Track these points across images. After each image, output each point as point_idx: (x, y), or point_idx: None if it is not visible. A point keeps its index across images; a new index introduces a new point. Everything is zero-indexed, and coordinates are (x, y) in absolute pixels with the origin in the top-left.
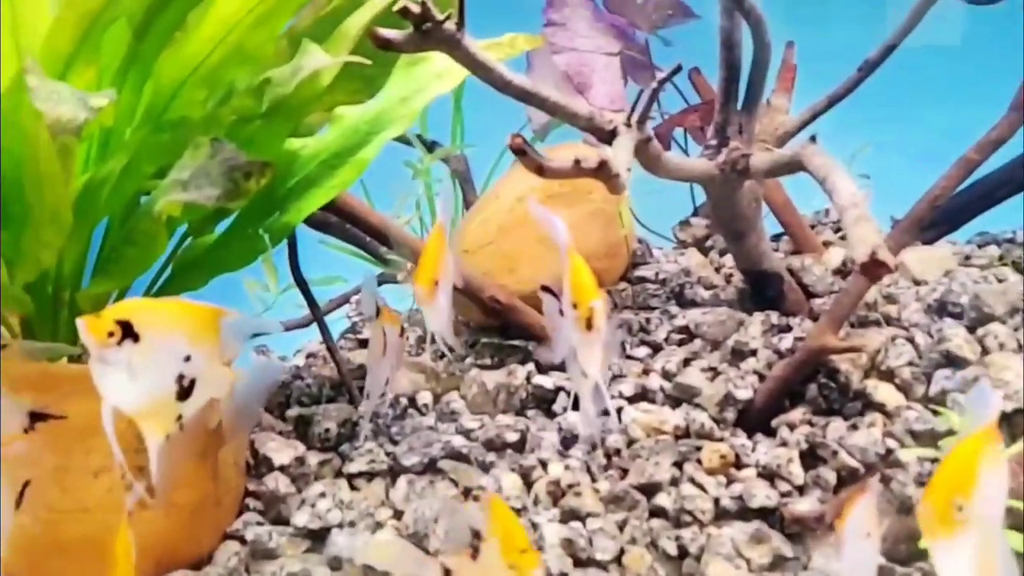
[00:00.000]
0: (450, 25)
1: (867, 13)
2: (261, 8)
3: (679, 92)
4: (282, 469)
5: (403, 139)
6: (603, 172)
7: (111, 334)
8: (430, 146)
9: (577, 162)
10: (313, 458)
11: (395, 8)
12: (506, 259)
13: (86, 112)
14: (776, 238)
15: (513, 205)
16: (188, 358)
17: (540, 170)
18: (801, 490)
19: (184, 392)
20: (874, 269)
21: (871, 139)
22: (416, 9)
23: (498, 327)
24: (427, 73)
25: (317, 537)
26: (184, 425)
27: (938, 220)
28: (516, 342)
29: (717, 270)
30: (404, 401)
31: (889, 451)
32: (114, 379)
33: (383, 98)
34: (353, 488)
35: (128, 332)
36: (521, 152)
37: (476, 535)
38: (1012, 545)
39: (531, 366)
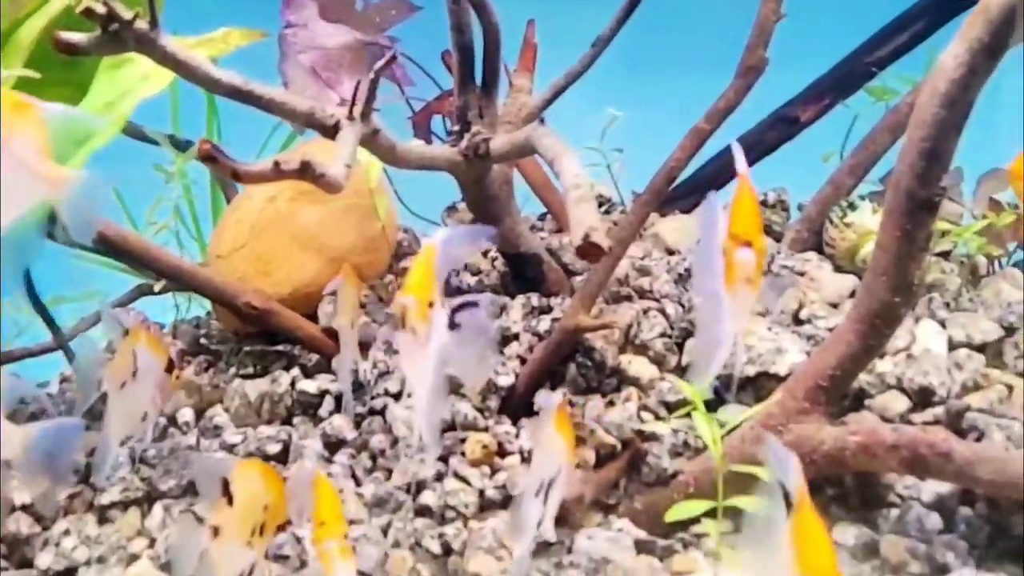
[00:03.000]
0: (141, 24)
1: None
2: None
3: (433, 80)
4: (24, 508)
5: (152, 140)
6: (307, 174)
7: None
8: (184, 146)
9: (276, 164)
10: (61, 493)
11: (78, 10)
12: (260, 261)
13: None
14: (542, 218)
15: (264, 205)
16: None
17: (235, 175)
18: None
19: None
20: (590, 251)
21: (631, 111)
22: (101, 10)
23: (261, 334)
24: (132, 75)
25: None
26: None
27: (694, 188)
28: (281, 347)
29: (484, 255)
30: (163, 421)
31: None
32: None
33: (86, 105)
34: (105, 521)
35: None
36: (210, 159)
37: (226, 483)
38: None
39: (296, 371)
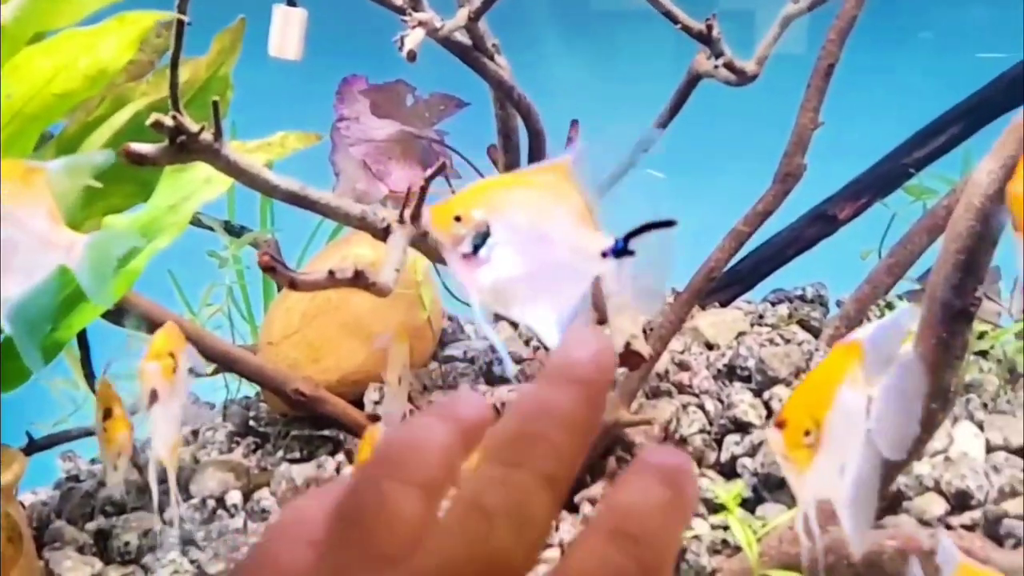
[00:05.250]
0: (207, 136)
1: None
2: (12, 127)
3: (479, 173)
4: None
5: (208, 226)
6: (360, 281)
7: None
8: (238, 232)
9: (331, 273)
10: (113, 573)
11: (148, 123)
12: (311, 348)
13: None
14: None
15: (315, 293)
16: None
17: (293, 284)
18: None
19: None
20: (630, 359)
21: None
22: (170, 123)
23: (308, 417)
24: (195, 179)
25: None
26: None
27: (732, 281)
28: (327, 432)
29: (527, 343)
30: (212, 503)
31: None
32: None
33: (151, 207)
34: None
35: None
36: (270, 269)
37: None
38: None
39: (341, 456)
